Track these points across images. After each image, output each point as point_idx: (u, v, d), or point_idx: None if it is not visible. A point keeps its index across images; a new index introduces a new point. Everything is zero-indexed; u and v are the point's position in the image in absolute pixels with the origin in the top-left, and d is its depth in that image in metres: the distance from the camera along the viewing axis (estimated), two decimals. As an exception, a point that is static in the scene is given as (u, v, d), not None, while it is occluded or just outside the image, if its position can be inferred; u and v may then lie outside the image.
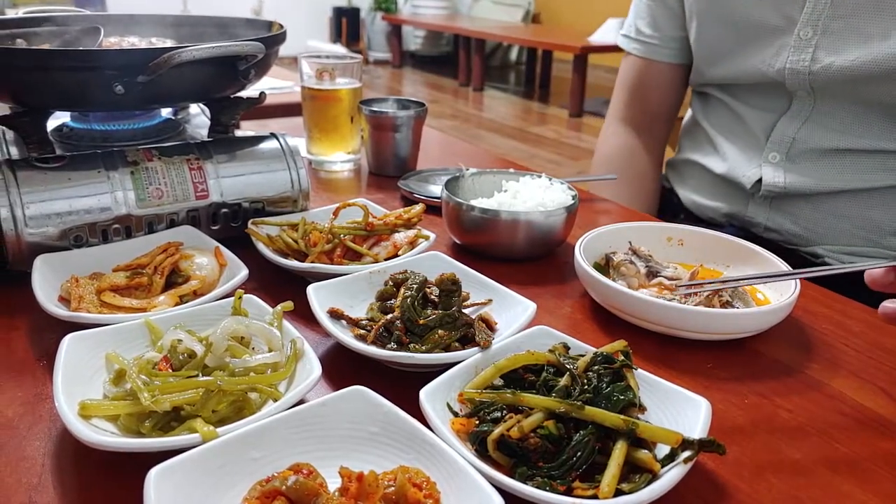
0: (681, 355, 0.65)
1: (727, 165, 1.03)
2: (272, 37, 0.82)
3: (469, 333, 0.60)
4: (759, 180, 0.98)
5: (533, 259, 0.84)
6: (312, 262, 0.72)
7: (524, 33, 6.26)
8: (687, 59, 1.11)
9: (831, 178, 0.93)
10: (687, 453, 0.46)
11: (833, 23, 0.87)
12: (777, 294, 0.70)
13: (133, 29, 1.06)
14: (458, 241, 0.85)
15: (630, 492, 0.44)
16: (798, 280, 0.68)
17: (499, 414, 0.50)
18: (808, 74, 0.90)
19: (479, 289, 0.68)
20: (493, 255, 0.83)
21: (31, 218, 0.69)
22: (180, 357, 0.55)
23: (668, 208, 1.19)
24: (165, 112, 0.97)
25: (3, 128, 0.87)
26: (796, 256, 0.80)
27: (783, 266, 0.72)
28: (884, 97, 0.87)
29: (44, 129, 0.78)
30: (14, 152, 0.84)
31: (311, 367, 0.53)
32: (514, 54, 7.76)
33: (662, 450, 0.48)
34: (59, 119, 0.91)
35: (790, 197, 0.97)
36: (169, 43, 0.97)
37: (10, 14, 1.08)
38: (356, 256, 0.75)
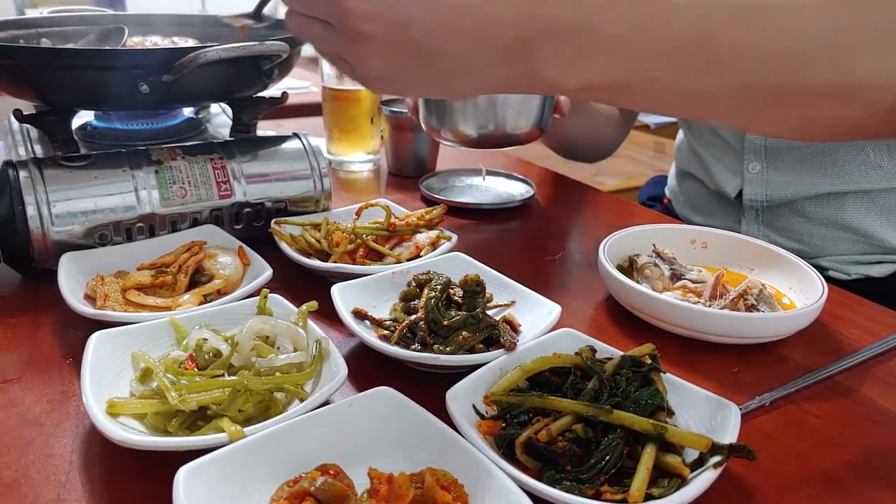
0: (706, 359, 0.64)
1: (714, 181, 1.02)
2: (295, 36, 0.82)
3: (493, 335, 0.59)
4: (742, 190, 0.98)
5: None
6: (335, 262, 0.72)
7: (539, 34, 6.23)
8: None
9: (814, 182, 0.91)
10: (716, 458, 0.45)
11: None
12: (803, 298, 0.70)
13: (153, 28, 1.06)
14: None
15: (660, 496, 0.43)
16: (825, 284, 0.67)
17: (525, 417, 0.49)
18: None
19: (503, 290, 0.68)
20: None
21: (58, 216, 0.69)
22: (206, 356, 0.55)
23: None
24: (187, 111, 0.97)
25: (28, 126, 0.87)
26: None
27: (808, 269, 0.71)
28: None
29: (69, 128, 0.79)
30: (39, 151, 0.84)
31: (337, 368, 0.53)
32: (528, 55, 7.74)
33: (691, 454, 0.48)
34: (82, 118, 0.91)
35: (778, 208, 0.95)
36: (191, 42, 0.98)
37: (31, 13, 1.09)
38: (378, 257, 0.75)
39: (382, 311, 0.66)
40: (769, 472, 0.51)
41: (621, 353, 0.54)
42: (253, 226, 0.81)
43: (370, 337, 0.59)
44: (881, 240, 0.90)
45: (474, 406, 0.52)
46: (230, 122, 0.90)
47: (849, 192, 0.90)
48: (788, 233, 0.96)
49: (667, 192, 1.21)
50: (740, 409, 0.51)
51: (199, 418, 0.50)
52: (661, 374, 0.53)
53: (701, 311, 0.64)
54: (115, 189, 0.73)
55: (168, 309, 0.65)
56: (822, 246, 0.94)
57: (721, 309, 0.66)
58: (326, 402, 0.50)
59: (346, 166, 1.16)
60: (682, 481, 0.45)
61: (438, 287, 0.63)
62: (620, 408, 0.48)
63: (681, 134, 1.16)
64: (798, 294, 0.71)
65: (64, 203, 0.70)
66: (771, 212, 0.97)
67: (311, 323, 0.59)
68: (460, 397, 0.51)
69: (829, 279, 0.93)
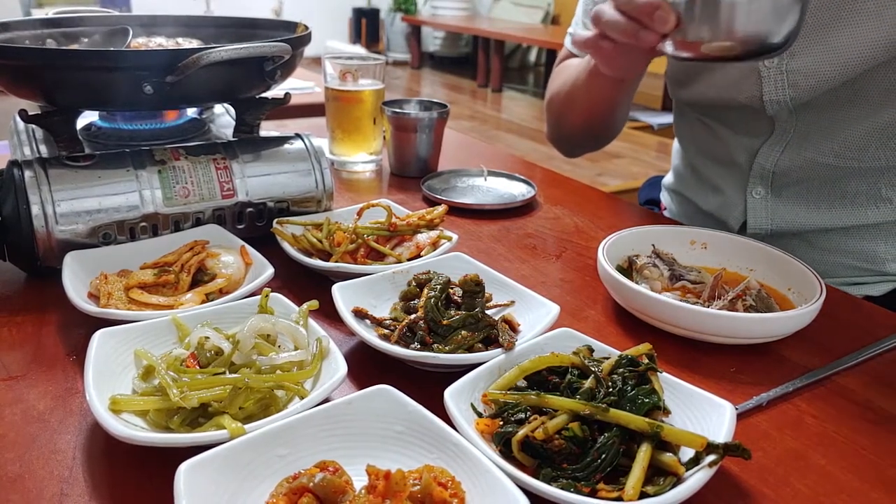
0: (704, 359, 0.64)
1: (714, 203, 1.01)
2: (298, 38, 0.83)
3: (492, 335, 0.60)
4: (745, 223, 0.96)
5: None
6: (336, 261, 0.73)
7: (543, 35, 6.25)
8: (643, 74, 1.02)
9: (821, 216, 0.91)
10: (712, 457, 0.46)
11: (796, 43, 0.82)
12: (802, 299, 0.70)
13: (158, 29, 1.07)
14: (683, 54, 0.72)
15: (655, 494, 0.44)
16: (824, 285, 0.68)
17: (523, 415, 0.50)
18: (789, 101, 0.87)
19: (502, 290, 0.69)
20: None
21: (62, 215, 0.70)
22: (207, 354, 0.56)
23: None
24: (191, 112, 0.98)
25: (33, 126, 0.88)
26: None
27: (808, 270, 0.71)
28: (866, 91, 0.84)
29: (73, 128, 0.80)
30: (44, 150, 0.85)
31: (337, 366, 0.54)
32: (532, 56, 7.75)
33: (686, 453, 0.48)
34: (87, 118, 0.92)
35: (782, 235, 0.95)
36: (195, 43, 0.98)
37: (37, 14, 1.09)
38: (379, 256, 0.76)
39: (382, 311, 0.66)
40: (765, 471, 0.51)
41: (619, 352, 0.55)
42: (255, 225, 0.82)
43: (370, 336, 0.60)
44: (882, 261, 0.90)
45: (472, 404, 0.52)
46: (233, 123, 0.91)
47: (857, 226, 0.90)
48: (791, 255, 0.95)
49: (662, 199, 1.21)
50: (737, 408, 0.52)
51: (200, 415, 0.51)
52: (658, 373, 0.53)
53: (699, 312, 0.64)
54: (118, 189, 0.73)
55: (170, 307, 0.65)
56: (823, 270, 0.93)
57: (720, 309, 0.66)
58: (326, 400, 0.50)
59: (348, 167, 1.17)
60: (678, 480, 0.46)
61: (438, 287, 0.63)
62: (617, 407, 0.49)
63: (678, 153, 1.12)
64: (796, 295, 0.72)
65: (68, 202, 0.71)
66: (773, 237, 0.96)
67: (311, 322, 0.60)
68: (459, 396, 0.51)
69: None
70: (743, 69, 0.88)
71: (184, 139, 0.90)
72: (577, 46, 0.81)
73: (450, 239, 0.79)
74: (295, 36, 0.84)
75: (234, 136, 0.89)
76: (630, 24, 0.71)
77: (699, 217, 1.07)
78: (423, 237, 0.78)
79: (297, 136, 0.86)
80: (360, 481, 0.44)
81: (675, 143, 1.14)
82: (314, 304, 0.61)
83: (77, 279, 0.66)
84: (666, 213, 1.17)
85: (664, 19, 0.69)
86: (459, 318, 0.60)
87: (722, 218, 1.00)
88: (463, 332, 0.59)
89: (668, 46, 0.72)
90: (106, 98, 0.77)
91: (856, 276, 0.92)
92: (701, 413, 0.51)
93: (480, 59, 6.64)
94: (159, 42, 0.98)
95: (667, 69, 1.03)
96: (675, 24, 0.69)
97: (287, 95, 0.91)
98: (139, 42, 0.96)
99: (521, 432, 0.48)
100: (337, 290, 0.65)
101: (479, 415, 0.52)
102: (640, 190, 1.32)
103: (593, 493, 0.45)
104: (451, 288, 0.65)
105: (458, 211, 0.97)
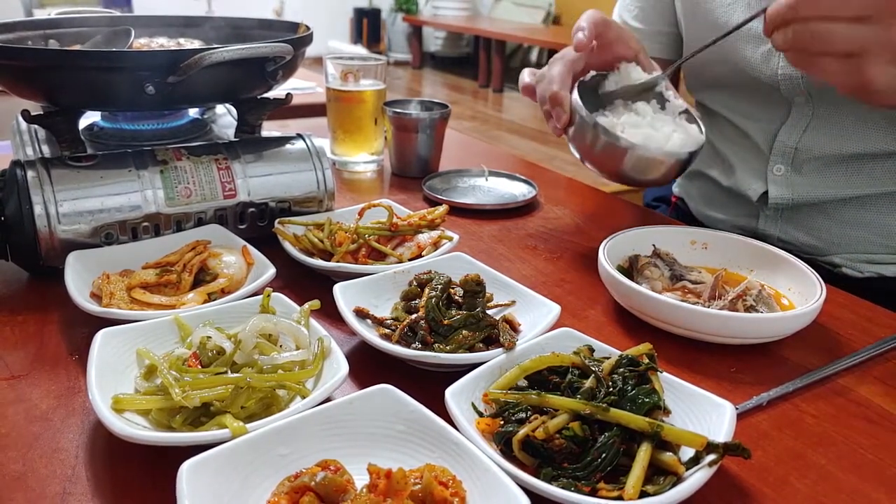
0: (704, 359, 0.65)
1: (734, 179, 1.02)
2: (300, 38, 0.83)
3: (493, 334, 0.60)
4: (766, 193, 0.97)
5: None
6: (338, 261, 0.73)
7: (545, 35, 6.25)
8: (675, 54, 1.08)
9: (840, 185, 0.92)
10: (711, 457, 0.46)
11: None
12: (802, 299, 0.70)
13: (159, 30, 1.07)
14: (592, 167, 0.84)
15: (655, 494, 0.44)
16: (823, 285, 0.68)
17: (523, 415, 0.50)
18: (801, 78, 0.88)
19: (503, 290, 0.69)
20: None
21: (65, 215, 0.70)
22: (209, 354, 0.56)
23: (680, 220, 1.18)
24: (193, 112, 0.98)
25: (36, 127, 0.88)
26: (814, 266, 0.79)
27: (808, 271, 0.71)
28: None
29: (76, 129, 0.80)
30: (46, 151, 0.85)
31: (338, 365, 0.54)
32: (534, 56, 7.74)
33: (686, 453, 0.48)
34: (89, 118, 0.92)
35: (800, 207, 0.95)
36: (196, 44, 0.99)
37: (39, 14, 1.09)
38: (380, 256, 0.76)
39: (384, 311, 0.66)
40: (765, 471, 0.51)
41: (619, 352, 0.55)
42: (257, 225, 0.82)
43: (371, 335, 0.60)
44: None
45: (473, 404, 0.52)
46: (235, 123, 0.91)
47: (874, 194, 0.91)
48: (807, 228, 0.96)
49: (676, 190, 1.21)
50: (737, 408, 0.52)
51: (202, 414, 0.51)
52: (658, 373, 0.53)
53: (700, 312, 0.64)
54: (121, 189, 0.74)
55: (172, 307, 0.65)
56: (838, 243, 0.94)
57: (720, 309, 0.66)
58: (328, 400, 0.50)
59: (349, 167, 1.17)
60: (678, 479, 0.46)
61: (439, 287, 0.63)
62: (617, 406, 0.49)
63: None
64: (797, 295, 0.72)
65: (71, 202, 0.71)
66: (792, 209, 0.97)
67: (313, 321, 0.60)
68: (460, 395, 0.51)
69: (841, 276, 0.93)
70: (762, 48, 0.90)
71: (186, 139, 0.90)
72: (521, 90, 0.91)
73: (451, 239, 0.79)
74: (296, 36, 0.85)
75: (235, 137, 0.90)
76: (546, 108, 0.83)
77: (718, 193, 1.07)
78: (425, 237, 0.78)
79: (299, 136, 0.87)
80: (361, 480, 0.45)
81: None
82: (315, 303, 0.61)
83: (79, 279, 0.67)
84: (687, 200, 1.17)
85: (559, 115, 0.81)
86: (460, 317, 0.60)
87: (742, 192, 1.01)
88: (464, 331, 0.60)
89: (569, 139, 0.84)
90: (108, 98, 0.78)
91: (871, 252, 0.93)
92: (701, 413, 0.51)
93: (481, 60, 6.64)
94: (161, 42, 0.98)
95: (686, 54, 1.04)
96: (568, 122, 0.81)
97: (289, 96, 0.91)
98: (141, 42, 0.97)
99: (522, 432, 0.48)
100: (338, 289, 0.65)
101: (480, 414, 0.52)
102: (648, 190, 1.32)
103: (593, 493, 0.45)
104: (452, 288, 0.65)
105: (459, 211, 0.98)
